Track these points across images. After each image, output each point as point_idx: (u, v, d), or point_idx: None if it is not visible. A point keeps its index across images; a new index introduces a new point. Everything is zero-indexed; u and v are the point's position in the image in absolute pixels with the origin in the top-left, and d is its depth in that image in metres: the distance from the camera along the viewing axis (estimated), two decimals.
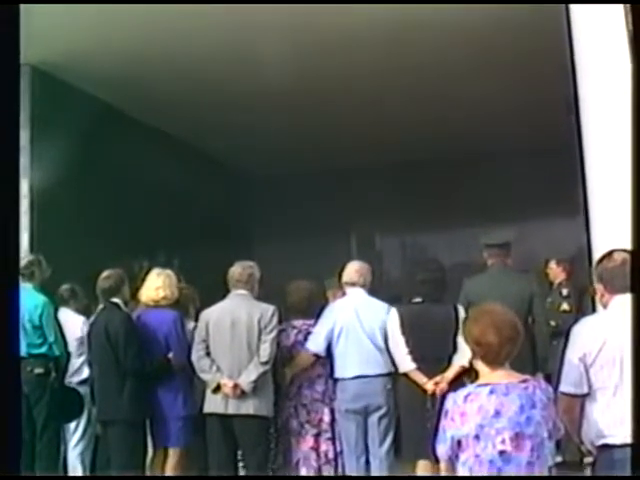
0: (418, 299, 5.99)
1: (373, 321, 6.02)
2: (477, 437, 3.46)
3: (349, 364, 5.96)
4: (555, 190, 9.30)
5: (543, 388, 3.58)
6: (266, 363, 5.81)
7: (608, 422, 3.60)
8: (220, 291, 6.14)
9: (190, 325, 6.26)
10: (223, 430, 5.83)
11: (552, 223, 11.28)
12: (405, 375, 5.85)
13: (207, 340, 5.92)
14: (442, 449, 3.58)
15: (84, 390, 6.56)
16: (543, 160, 10.43)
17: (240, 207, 12.66)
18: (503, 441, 3.44)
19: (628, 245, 3.80)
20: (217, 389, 5.82)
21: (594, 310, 4.62)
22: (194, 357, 5.93)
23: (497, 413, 3.45)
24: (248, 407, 5.78)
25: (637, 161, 3.93)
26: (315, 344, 6.04)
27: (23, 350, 6.10)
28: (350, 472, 5.94)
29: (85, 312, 7.00)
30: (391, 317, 5.96)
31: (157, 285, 6.21)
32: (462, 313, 5.68)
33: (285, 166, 11.92)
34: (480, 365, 3.62)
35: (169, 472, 6.05)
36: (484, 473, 3.45)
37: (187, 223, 10.94)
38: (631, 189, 3.87)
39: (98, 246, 8.62)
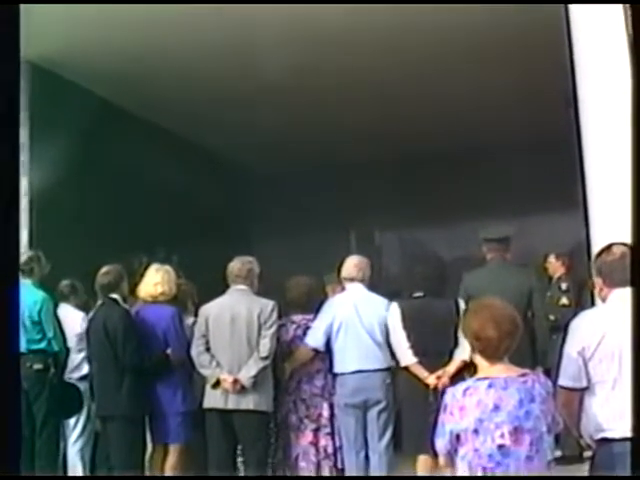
0: (419, 293, 6.00)
1: (372, 316, 6.02)
2: (476, 431, 3.46)
3: (348, 359, 5.96)
4: (554, 185, 9.28)
5: (542, 382, 3.58)
6: (266, 358, 5.82)
7: (607, 416, 3.59)
8: (219, 287, 6.14)
9: (189, 321, 6.27)
10: (223, 425, 5.83)
11: (551, 217, 11.27)
12: (406, 369, 5.86)
13: (207, 335, 5.92)
14: (441, 443, 3.58)
15: (84, 386, 6.56)
16: (542, 155, 10.39)
17: (239, 203, 12.64)
18: (502, 435, 3.44)
19: (627, 239, 3.80)
20: (217, 384, 5.82)
21: (593, 304, 4.62)
22: (194, 352, 5.93)
23: (496, 407, 3.46)
24: (248, 402, 5.79)
25: (636, 156, 3.92)
26: (314, 339, 6.05)
27: (22, 346, 6.11)
28: (349, 467, 5.94)
29: (85, 308, 7.00)
30: (392, 311, 5.97)
31: (155, 281, 6.21)
32: (463, 307, 5.68)
33: (284, 162, 11.90)
34: (479, 359, 3.62)
35: (169, 469, 6.05)
36: (483, 467, 3.46)
37: (186, 219, 10.91)
38: (630, 183, 3.87)
39: (97, 242, 8.62)
